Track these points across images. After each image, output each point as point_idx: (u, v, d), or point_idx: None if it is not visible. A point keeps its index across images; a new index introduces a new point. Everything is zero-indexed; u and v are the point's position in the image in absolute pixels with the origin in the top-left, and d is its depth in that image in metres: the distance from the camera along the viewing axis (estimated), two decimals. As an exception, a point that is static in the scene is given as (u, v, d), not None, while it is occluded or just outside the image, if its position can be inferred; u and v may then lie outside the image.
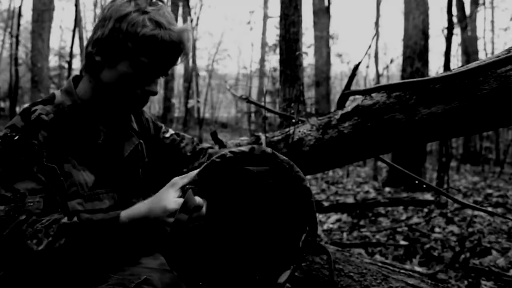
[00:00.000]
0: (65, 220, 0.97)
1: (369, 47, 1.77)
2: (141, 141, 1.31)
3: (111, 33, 1.05)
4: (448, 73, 1.34)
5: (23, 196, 0.99)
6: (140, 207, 0.99)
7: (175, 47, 1.07)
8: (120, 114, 1.22)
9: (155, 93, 1.14)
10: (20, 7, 8.42)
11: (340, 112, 1.62)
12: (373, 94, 1.54)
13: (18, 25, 8.51)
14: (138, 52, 1.05)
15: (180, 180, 0.97)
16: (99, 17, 1.10)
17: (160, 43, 1.04)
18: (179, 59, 1.13)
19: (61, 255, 0.94)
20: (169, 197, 0.94)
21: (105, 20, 1.07)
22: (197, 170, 0.99)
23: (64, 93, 1.16)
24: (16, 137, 1.02)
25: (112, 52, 1.07)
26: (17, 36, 8.33)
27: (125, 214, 0.98)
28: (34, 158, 1.02)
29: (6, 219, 0.95)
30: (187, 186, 0.96)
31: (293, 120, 1.88)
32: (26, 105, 1.12)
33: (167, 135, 1.43)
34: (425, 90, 1.38)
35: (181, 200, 0.93)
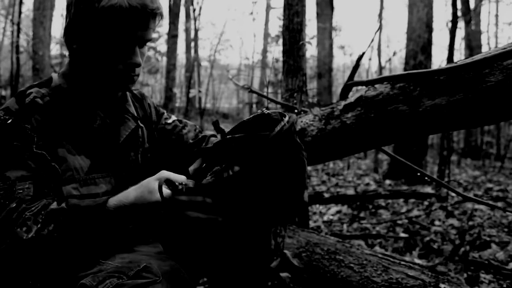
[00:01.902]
0: (53, 206, 0.97)
1: (372, 40, 1.76)
2: (142, 125, 1.29)
3: (75, 17, 1.05)
4: (453, 64, 1.33)
5: (13, 184, 0.98)
6: (128, 194, 0.98)
7: (139, 12, 1.04)
8: (110, 93, 1.21)
9: (138, 65, 1.11)
10: (21, -5, 8.38)
11: (343, 103, 1.61)
12: (376, 85, 1.53)
13: (20, 12, 8.47)
14: (103, 26, 1.04)
15: (169, 175, 0.98)
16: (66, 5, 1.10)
17: (120, 11, 1.02)
18: (151, 23, 1.09)
19: (51, 242, 0.94)
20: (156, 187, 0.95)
21: (69, 6, 1.07)
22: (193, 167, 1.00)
23: (61, 76, 1.16)
24: (9, 121, 1.01)
25: (82, 34, 1.07)
26: (18, 24, 8.29)
27: (113, 200, 0.98)
28: (25, 144, 1.01)
29: None
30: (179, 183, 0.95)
31: (296, 111, 1.87)
32: (22, 89, 1.11)
33: (169, 121, 1.42)
34: (429, 82, 1.38)
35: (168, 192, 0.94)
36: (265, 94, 2.13)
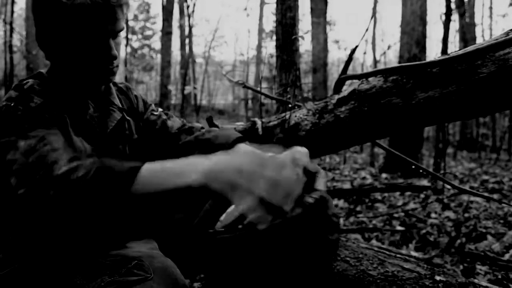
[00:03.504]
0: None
1: (366, 30, 1.75)
2: (129, 118, 1.29)
3: (42, 20, 1.06)
4: (446, 56, 1.33)
5: (43, 136, 0.92)
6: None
7: (104, 7, 1.03)
8: (93, 87, 1.20)
9: (114, 57, 1.11)
10: (13, -7, 8.32)
11: (336, 97, 1.61)
12: (370, 79, 1.53)
13: (12, 12, 8.42)
14: (71, 26, 1.03)
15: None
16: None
17: (85, 9, 1.01)
18: (119, 14, 1.08)
19: (77, 190, 0.81)
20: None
21: (34, 11, 1.09)
22: None
23: (48, 73, 1.16)
24: (13, 103, 0.99)
25: (53, 37, 1.07)
26: (11, 23, 8.24)
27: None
28: (37, 114, 0.99)
29: (29, 150, 0.88)
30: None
31: (289, 105, 1.87)
32: (17, 83, 1.10)
33: (155, 112, 1.41)
34: (422, 74, 1.37)
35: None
36: (258, 89, 2.13)
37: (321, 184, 0.87)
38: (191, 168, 0.79)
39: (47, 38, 1.08)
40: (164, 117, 1.41)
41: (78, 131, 1.10)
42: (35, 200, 0.82)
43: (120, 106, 1.27)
